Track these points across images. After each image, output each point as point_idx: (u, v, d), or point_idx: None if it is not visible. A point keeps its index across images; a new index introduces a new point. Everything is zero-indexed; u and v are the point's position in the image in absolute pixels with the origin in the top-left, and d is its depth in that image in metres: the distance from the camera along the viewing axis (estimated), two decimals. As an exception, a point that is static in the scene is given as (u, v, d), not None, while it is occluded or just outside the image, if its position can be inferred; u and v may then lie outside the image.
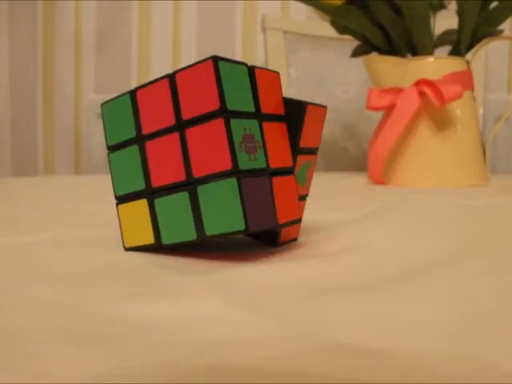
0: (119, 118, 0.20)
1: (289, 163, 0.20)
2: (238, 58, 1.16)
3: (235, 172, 0.17)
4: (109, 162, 0.21)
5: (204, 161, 0.18)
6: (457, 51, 0.58)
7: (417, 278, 0.16)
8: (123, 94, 0.20)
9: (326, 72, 0.95)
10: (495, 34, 0.59)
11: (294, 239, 0.22)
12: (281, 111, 0.20)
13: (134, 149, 0.20)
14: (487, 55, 0.97)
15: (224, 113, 0.17)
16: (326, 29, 0.86)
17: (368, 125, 0.92)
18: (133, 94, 0.19)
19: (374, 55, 0.60)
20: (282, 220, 0.19)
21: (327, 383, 0.09)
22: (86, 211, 0.32)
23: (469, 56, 0.60)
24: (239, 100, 0.18)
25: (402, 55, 0.59)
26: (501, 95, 1.03)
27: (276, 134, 0.20)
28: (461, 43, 0.57)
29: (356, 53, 0.64)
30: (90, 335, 0.11)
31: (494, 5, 0.57)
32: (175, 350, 0.10)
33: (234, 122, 0.17)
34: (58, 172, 1.25)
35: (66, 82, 1.23)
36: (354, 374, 0.09)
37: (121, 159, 0.20)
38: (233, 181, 0.17)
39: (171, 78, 0.18)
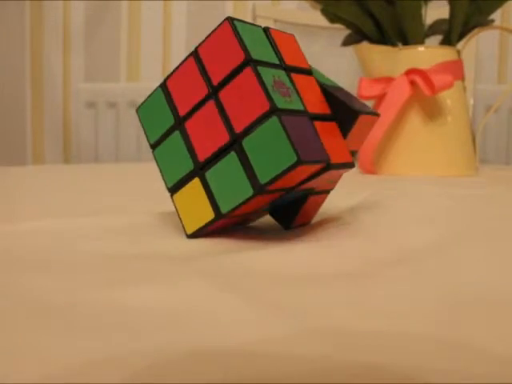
0: (156, 114, 0.21)
1: (327, 110, 0.20)
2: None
3: (274, 110, 0.17)
4: (155, 158, 0.21)
5: (243, 114, 0.18)
6: (448, 41, 0.58)
7: (407, 264, 0.16)
8: (154, 91, 0.21)
9: (317, 61, 0.94)
10: (486, 23, 0.59)
11: (307, 223, 0.22)
12: (306, 66, 0.21)
13: (176, 135, 0.20)
14: (478, 45, 0.97)
15: (250, 61, 0.18)
16: (316, 18, 0.86)
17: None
18: (163, 85, 0.20)
19: (365, 44, 0.60)
20: (333, 159, 0.19)
21: (315, 366, 0.09)
22: (80, 200, 0.32)
23: (460, 46, 0.60)
24: (262, 53, 0.18)
25: (393, 44, 0.59)
26: (491, 85, 1.03)
27: (307, 85, 0.20)
28: (452, 33, 0.57)
29: (347, 42, 0.63)
30: (76, 322, 0.11)
31: (484, -6, 0.57)
32: (162, 336, 0.10)
33: (261, 69, 0.18)
34: (46, 161, 1.24)
35: (54, 71, 1.22)
36: (341, 356, 0.09)
37: (165, 150, 0.21)
38: (274, 120, 0.17)
39: (195, 53, 0.19)
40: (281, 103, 0.18)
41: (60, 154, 1.24)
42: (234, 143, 0.18)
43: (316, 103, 0.20)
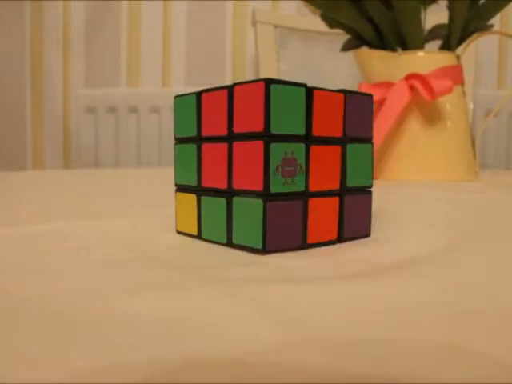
0: (187, 113, 0.21)
1: (335, 185, 0.20)
2: (229, 52, 1.16)
3: (264, 194, 0.18)
4: (174, 152, 0.22)
5: (243, 175, 0.19)
6: (447, 46, 0.58)
7: (407, 269, 0.16)
8: (192, 94, 0.21)
9: (316, 66, 0.95)
10: (485, 28, 0.59)
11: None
12: (338, 134, 0.20)
13: (193, 147, 0.21)
14: (477, 50, 0.97)
15: (265, 136, 0.18)
16: (316, 23, 0.86)
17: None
18: (199, 95, 0.20)
19: (365, 49, 0.60)
20: (312, 240, 0.19)
21: (315, 376, 0.09)
22: (80, 205, 0.32)
23: (459, 51, 0.60)
24: (288, 122, 0.18)
25: (393, 49, 0.59)
26: (490, 90, 1.03)
27: (326, 157, 0.20)
28: (451, 38, 0.57)
29: (346, 47, 0.64)
30: (75, 328, 0.11)
31: (484, 0, 0.57)
32: (161, 344, 0.10)
33: (273, 146, 0.18)
34: (47, 167, 1.24)
35: (54, 76, 1.22)
36: (341, 366, 0.09)
37: (183, 152, 0.22)
38: (259, 202, 0.18)
39: (230, 89, 0.19)
40: (277, 187, 0.18)
41: (60, 159, 1.24)
42: (228, 193, 0.19)
43: (326, 178, 0.20)
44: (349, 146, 0.21)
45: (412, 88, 0.54)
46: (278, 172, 0.18)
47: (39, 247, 0.20)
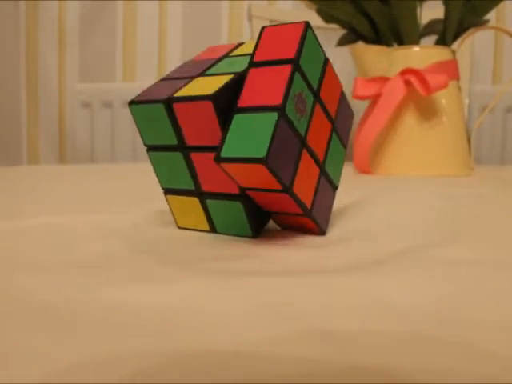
0: (154, 123, 0.20)
1: (321, 155, 0.20)
2: (225, 47, 1.16)
3: (280, 109, 0.17)
4: (150, 158, 0.21)
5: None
6: (442, 41, 0.58)
7: (402, 263, 0.16)
8: (154, 101, 0.19)
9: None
10: (481, 24, 0.59)
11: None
12: (333, 115, 0.21)
13: (178, 155, 0.20)
14: (473, 46, 0.97)
15: (294, 63, 0.18)
16: (312, 17, 0.86)
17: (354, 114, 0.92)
18: (166, 104, 0.19)
19: (360, 44, 0.60)
20: (296, 189, 0.18)
21: (313, 369, 0.09)
22: (76, 200, 0.32)
23: (454, 46, 0.60)
24: (310, 69, 0.19)
25: (388, 44, 0.59)
26: (486, 86, 1.03)
27: (321, 124, 0.20)
28: (446, 33, 0.57)
29: (342, 42, 0.63)
30: (74, 322, 0.11)
31: (479, -6, 0.57)
32: (160, 336, 0.10)
33: (297, 76, 0.18)
34: (42, 161, 1.24)
35: (49, 71, 1.22)
36: (340, 358, 0.09)
37: (163, 159, 0.21)
38: (273, 115, 0.17)
39: (214, 101, 0.18)
40: (290, 112, 0.18)
41: (55, 154, 1.24)
42: (243, 197, 0.19)
43: (316, 142, 0.20)
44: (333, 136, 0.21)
45: (407, 83, 0.54)
46: (293, 100, 0.18)
47: (35, 241, 0.20)
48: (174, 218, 0.22)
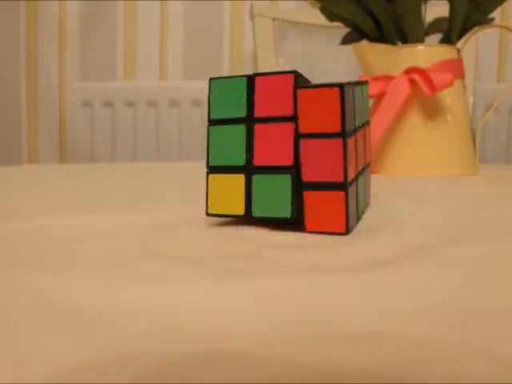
0: (230, 96, 0.22)
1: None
2: (226, 46, 1.15)
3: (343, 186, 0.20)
4: (208, 134, 0.22)
5: (318, 167, 0.20)
6: (447, 39, 0.58)
7: (407, 264, 0.16)
8: (238, 77, 0.22)
9: (315, 60, 0.94)
10: (486, 22, 0.59)
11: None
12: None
13: (241, 128, 0.22)
14: (477, 44, 0.96)
15: (342, 135, 0.20)
16: (315, 16, 0.86)
17: (357, 114, 0.91)
18: (251, 78, 0.21)
19: (364, 43, 0.59)
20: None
21: (316, 371, 0.09)
22: (77, 200, 0.31)
23: (459, 44, 0.60)
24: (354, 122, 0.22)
25: (393, 43, 0.59)
26: (491, 84, 1.03)
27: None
28: (451, 31, 0.57)
29: (346, 40, 0.63)
30: (75, 322, 0.11)
31: (485, -8, 0.57)
32: (163, 337, 0.10)
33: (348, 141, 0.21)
34: (42, 161, 1.23)
35: (50, 70, 1.21)
36: (342, 360, 0.09)
37: (222, 134, 0.22)
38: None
39: (297, 76, 0.21)
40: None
41: (55, 154, 1.23)
42: (294, 169, 0.21)
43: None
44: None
45: (412, 82, 0.53)
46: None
47: (36, 242, 0.19)
48: (207, 204, 0.22)
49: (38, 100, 1.23)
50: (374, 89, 0.56)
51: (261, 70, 0.95)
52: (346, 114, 0.20)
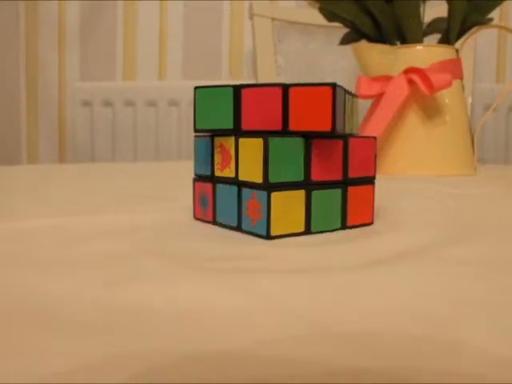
0: (215, 106, 0.22)
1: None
2: (225, 45, 1.15)
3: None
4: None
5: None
6: (446, 39, 0.58)
7: (406, 263, 0.16)
8: (224, 86, 0.22)
9: (315, 60, 0.94)
10: (484, 22, 0.59)
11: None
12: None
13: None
14: (476, 44, 0.97)
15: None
16: (314, 16, 0.86)
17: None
18: (237, 89, 0.21)
19: (363, 43, 0.60)
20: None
21: (316, 370, 0.09)
22: (77, 199, 0.32)
23: (458, 44, 0.60)
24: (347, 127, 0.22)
25: (392, 43, 0.59)
26: (489, 84, 1.03)
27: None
28: (450, 31, 0.57)
29: (345, 40, 0.63)
30: (75, 322, 0.11)
31: (483, -7, 0.57)
32: (162, 337, 0.10)
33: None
34: (41, 161, 1.23)
35: (49, 69, 1.21)
36: (341, 359, 0.09)
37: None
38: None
39: (284, 88, 0.20)
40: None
41: (55, 153, 1.23)
42: (343, 183, 0.22)
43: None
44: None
45: (411, 82, 0.54)
46: None
47: (36, 242, 0.19)
48: (269, 226, 0.20)
49: (37, 100, 1.23)
50: (373, 89, 0.56)
51: (260, 70, 0.95)
52: (337, 114, 0.20)
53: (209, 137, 0.23)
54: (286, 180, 0.20)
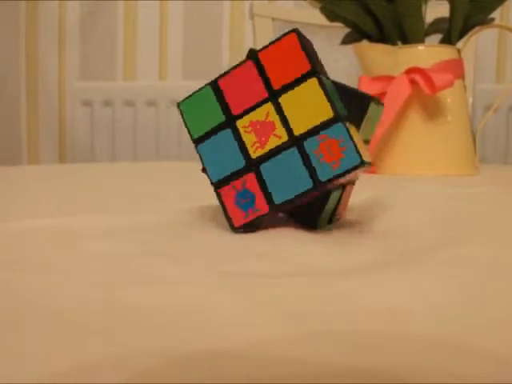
0: (202, 110, 0.22)
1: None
2: (226, 45, 1.15)
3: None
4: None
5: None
6: (448, 39, 0.58)
7: (408, 263, 0.16)
8: (201, 88, 0.22)
9: (315, 60, 0.94)
10: (486, 22, 0.59)
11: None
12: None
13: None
14: (476, 44, 0.96)
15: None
16: (315, 16, 0.86)
17: (357, 114, 0.91)
18: (214, 84, 0.21)
19: (365, 43, 0.59)
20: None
21: (315, 369, 0.09)
22: (78, 199, 0.31)
23: (460, 44, 0.60)
24: (322, 69, 0.21)
25: (393, 43, 0.59)
26: (490, 84, 1.03)
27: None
28: (452, 31, 0.57)
29: (346, 40, 0.63)
30: (76, 322, 0.11)
31: (485, -7, 0.57)
32: (163, 337, 0.10)
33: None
34: (41, 161, 1.23)
35: (49, 69, 1.21)
36: (341, 358, 0.09)
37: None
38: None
39: (254, 58, 0.21)
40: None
41: (55, 153, 1.23)
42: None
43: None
44: None
45: (412, 82, 0.53)
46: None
47: (36, 242, 0.19)
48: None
49: (37, 100, 1.23)
50: (374, 89, 0.56)
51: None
52: (311, 54, 0.20)
53: (225, 129, 0.22)
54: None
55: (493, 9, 0.58)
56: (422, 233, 0.21)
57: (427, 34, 0.61)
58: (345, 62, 0.93)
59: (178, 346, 0.10)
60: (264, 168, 0.21)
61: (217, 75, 0.22)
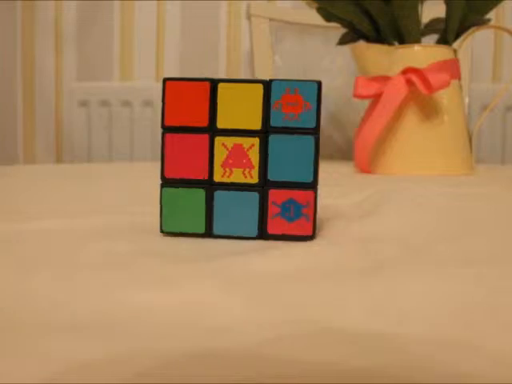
0: (184, 203, 0.21)
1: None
2: (223, 46, 1.15)
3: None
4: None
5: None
6: (444, 40, 0.58)
7: (406, 264, 0.16)
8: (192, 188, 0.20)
9: (312, 60, 0.94)
10: (482, 22, 0.59)
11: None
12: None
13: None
14: (472, 45, 0.97)
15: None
16: (312, 16, 0.86)
17: (354, 113, 0.92)
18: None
19: (361, 43, 0.60)
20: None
21: (318, 369, 0.09)
22: (75, 200, 0.31)
23: (456, 45, 0.60)
24: None
25: (389, 43, 0.59)
26: (486, 84, 1.03)
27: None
28: (448, 32, 0.57)
29: (343, 41, 0.63)
30: (77, 322, 0.11)
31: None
32: (163, 337, 0.10)
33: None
34: (38, 161, 1.23)
35: (46, 69, 1.21)
36: (344, 359, 0.09)
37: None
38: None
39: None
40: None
41: (52, 153, 1.23)
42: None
43: None
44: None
45: (409, 82, 0.54)
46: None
47: (35, 243, 0.19)
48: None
49: (34, 100, 1.22)
50: (371, 89, 0.56)
51: (257, 71, 0.95)
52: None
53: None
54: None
55: (489, 9, 0.58)
56: (418, 232, 0.22)
57: (423, 34, 0.61)
58: (341, 62, 0.93)
59: (178, 345, 0.10)
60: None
61: (214, 76, 0.21)
